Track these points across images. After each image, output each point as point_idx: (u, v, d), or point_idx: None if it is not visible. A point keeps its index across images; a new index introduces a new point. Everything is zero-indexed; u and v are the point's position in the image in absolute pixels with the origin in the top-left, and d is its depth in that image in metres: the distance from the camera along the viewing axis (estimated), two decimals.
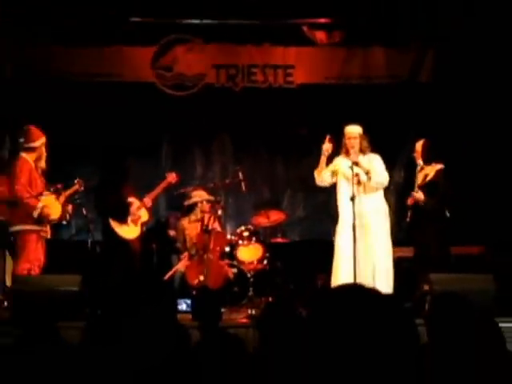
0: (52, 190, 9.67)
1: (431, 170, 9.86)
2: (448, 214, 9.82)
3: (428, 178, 9.84)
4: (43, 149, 9.61)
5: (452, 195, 9.81)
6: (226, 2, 11.78)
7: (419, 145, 10.07)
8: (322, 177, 9.53)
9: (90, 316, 8.14)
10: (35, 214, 9.36)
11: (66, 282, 8.91)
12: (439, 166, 9.86)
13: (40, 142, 9.56)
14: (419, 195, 9.75)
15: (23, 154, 9.55)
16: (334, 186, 9.62)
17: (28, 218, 9.38)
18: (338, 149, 9.57)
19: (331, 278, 9.44)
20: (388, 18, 12.11)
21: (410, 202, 9.89)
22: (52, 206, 9.53)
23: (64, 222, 10.10)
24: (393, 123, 12.46)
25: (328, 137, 9.39)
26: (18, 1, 11.37)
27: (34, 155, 9.54)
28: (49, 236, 9.74)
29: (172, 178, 10.90)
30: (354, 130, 9.60)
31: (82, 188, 10.02)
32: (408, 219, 10.00)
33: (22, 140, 9.62)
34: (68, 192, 9.85)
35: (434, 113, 12.21)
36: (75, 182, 10.01)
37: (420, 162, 9.98)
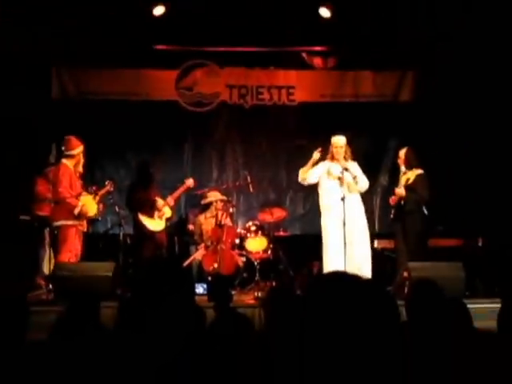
0: (89, 191, 9.72)
1: (412, 175, 9.85)
2: (426, 212, 9.81)
3: (409, 182, 9.83)
4: (81, 156, 9.65)
5: (430, 195, 9.81)
6: (237, 32, 11.77)
7: (402, 152, 10.07)
8: (307, 176, 9.64)
9: (121, 297, 8.17)
10: (76, 211, 9.40)
11: (102, 268, 8.94)
12: (419, 171, 9.84)
13: (78, 150, 9.60)
14: (401, 191, 9.74)
15: (64, 161, 9.61)
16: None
17: (69, 215, 9.40)
18: (325, 155, 9.61)
19: (323, 265, 9.48)
20: (375, 46, 12.09)
21: (392, 201, 9.91)
22: (89, 204, 9.56)
23: (99, 219, 10.12)
24: (379, 134, 12.49)
25: (320, 149, 9.44)
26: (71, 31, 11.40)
27: (73, 161, 9.59)
28: (85, 229, 9.78)
29: (190, 183, 10.89)
30: (340, 141, 9.66)
31: (113, 189, 10.06)
32: (391, 216, 10.02)
33: (63, 148, 9.67)
34: (101, 192, 9.87)
35: (415, 125, 12.22)
36: (106, 183, 10.04)
37: (403, 167, 9.99)
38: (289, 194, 12.31)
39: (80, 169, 9.69)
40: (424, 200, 9.74)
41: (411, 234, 9.70)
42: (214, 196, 11.13)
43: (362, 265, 9.23)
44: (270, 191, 12.48)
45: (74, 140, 9.74)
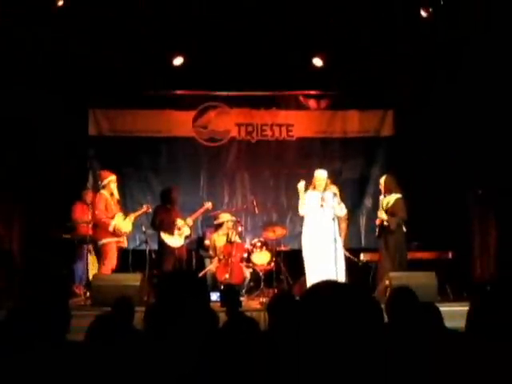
0: (122, 213, 9.93)
1: (391, 199, 9.84)
2: (405, 230, 9.81)
3: (389, 205, 9.83)
4: (111, 185, 9.90)
5: (408, 215, 9.81)
6: (244, 78, 11.86)
7: (382, 179, 10.08)
8: (302, 212, 9.71)
9: (148, 303, 8.18)
10: (110, 228, 9.60)
11: (131, 278, 8.99)
12: (398, 195, 9.84)
13: (107, 180, 9.95)
14: (382, 215, 9.75)
15: (101, 190, 9.94)
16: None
17: (108, 234, 9.59)
18: (308, 184, 9.67)
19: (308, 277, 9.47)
20: (360, 90, 12.16)
21: (377, 222, 9.90)
22: (122, 223, 9.69)
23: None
24: (364, 164, 12.54)
25: (303, 181, 9.57)
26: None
27: (107, 190, 9.80)
28: (125, 245, 9.95)
29: (208, 206, 10.97)
30: (321, 175, 9.67)
31: (150, 210, 10.24)
32: (376, 234, 10.02)
33: (99, 182, 10.13)
34: (137, 213, 10.22)
35: (394, 155, 12.27)
36: (144, 206, 10.29)
37: (382, 192, 10.00)
38: (289, 214, 12.27)
39: (115, 194, 9.88)
40: (403, 220, 9.75)
41: (392, 248, 9.70)
42: (225, 217, 11.16)
43: (338, 278, 9.20)
44: (273, 212, 12.47)
45: (103, 172, 10.21)
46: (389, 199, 9.85)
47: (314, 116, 12.72)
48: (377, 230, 9.98)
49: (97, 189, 10.50)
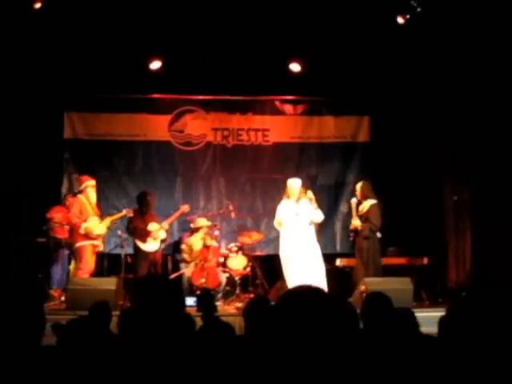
0: (100, 217, 9.96)
1: (366, 205, 9.90)
2: (379, 235, 9.86)
3: (363, 210, 9.89)
4: (88, 189, 9.97)
5: (382, 222, 9.87)
6: (220, 83, 11.86)
7: (358, 185, 10.14)
8: (280, 225, 9.75)
9: (122, 307, 8.15)
10: (81, 230, 9.62)
11: (107, 283, 8.96)
12: (373, 201, 9.90)
13: (84, 185, 10.08)
14: (356, 223, 9.82)
15: (78, 195, 10.08)
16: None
17: (81, 237, 9.57)
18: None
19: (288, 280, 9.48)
20: (336, 96, 12.21)
21: (351, 227, 9.97)
22: (94, 225, 9.69)
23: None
24: (339, 170, 12.57)
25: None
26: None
27: (83, 194, 9.90)
28: (101, 249, 9.91)
29: (185, 208, 10.96)
30: (294, 184, 9.69)
31: (131, 215, 10.26)
32: (351, 239, 10.08)
33: (77, 185, 10.39)
34: (114, 217, 10.25)
35: (370, 161, 12.33)
36: (124, 210, 10.40)
37: (358, 198, 10.04)
38: (264, 220, 12.25)
39: (92, 199, 9.88)
40: (376, 227, 9.80)
41: (366, 254, 9.75)
42: (201, 221, 11.16)
43: (320, 280, 9.23)
44: (248, 217, 12.44)
45: (82, 177, 10.32)
46: (364, 205, 9.90)
47: (290, 121, 12.72)
48: (351, 235, 10.03)
49: (73, 192, 10.61)
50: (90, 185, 9.99)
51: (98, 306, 5.37)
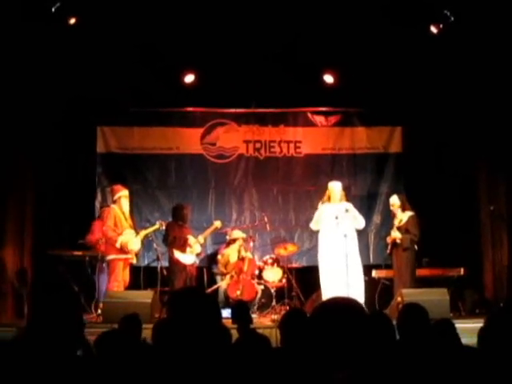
0: (134, 229, 9.96)
1: (404, 216, 9.89)
2: (416, 248, 9.84)
3: (402, 223, 9.86)
4: (122, 200, 9.93)
5: (420, 234, 9.84)
6: (253, 96, 11.91)
7: (396, 198, 10.12)
8: (316, 226, 9.94)
9: (157, 319, 8.17)
10: (117, 244, 9.61)
11: (143, 296, 9.01)
12: (411, 213, 9.90)
13: (118, 195, 9.98)
14: (395, 234, 9.79)
15: (111, 205, 10.00)
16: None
17: (116, 250, 9.58)
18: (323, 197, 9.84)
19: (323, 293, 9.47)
20: (368, 107, 12.17)
21: (389, 240, 9.94)
22: (130, 239, 9.68)
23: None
24: (372, 181, 12.51)
25: None
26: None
27: (117, 205, 9.82)
28: (134, 262, 9.91)
29: (218, 224, 10.95)
30: (336, 187, 9.74)
31: (163, 227, 10.20)
32: (388, 251, 10.06)
33: (110, 196, 10.18)
34: (148, 231, 10.16)
35: (403, 172, 12.28)
36: (157, 223, 10.29)
37: (397, 210, 10.03)
38: (297, 231, 12.25)
39: (126, 210, 9.89)
40: (416, 238, 9.79)
41: (405, 266, 9.73)
42: (237, 233, 11.22)
43: (357, 292, 9.21)
44: (281, 229, 12.42)
45: (115, 187, 10.24)
46: (402, 216, 9.88)
47: (322, 132, 12.70)
48: (389, 247, 10.01)
49: (106, 204, 10.67)
50: (123, 195, 9.97)
51: (128, 318, 5.39)
